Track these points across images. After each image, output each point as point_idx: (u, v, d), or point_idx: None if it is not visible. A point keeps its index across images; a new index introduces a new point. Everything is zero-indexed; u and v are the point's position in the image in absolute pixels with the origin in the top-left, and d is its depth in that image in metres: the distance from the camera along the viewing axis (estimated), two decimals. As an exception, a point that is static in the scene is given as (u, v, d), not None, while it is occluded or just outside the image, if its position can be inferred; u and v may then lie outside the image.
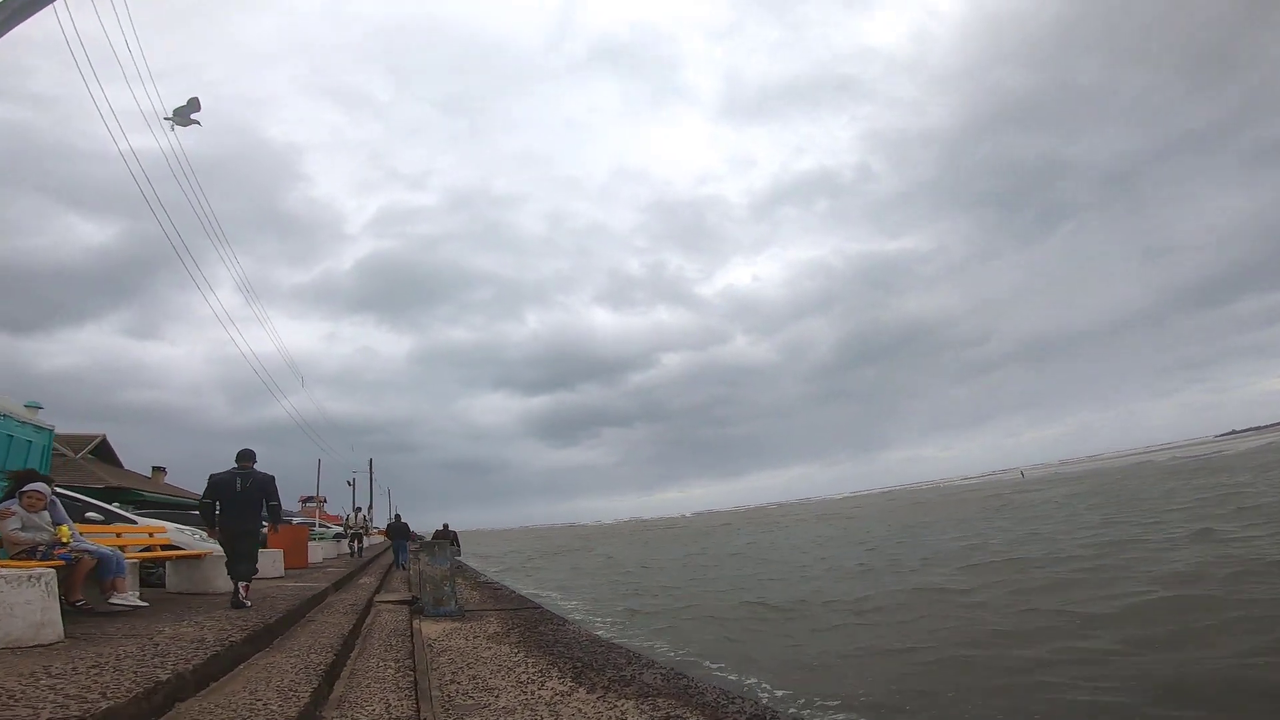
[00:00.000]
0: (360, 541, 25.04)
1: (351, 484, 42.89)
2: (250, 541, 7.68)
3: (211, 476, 7.63)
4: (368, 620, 8.56)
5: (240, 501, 7.57)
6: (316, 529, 28.05)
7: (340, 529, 29.44)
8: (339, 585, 11.31)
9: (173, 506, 20.89)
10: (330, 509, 44.98)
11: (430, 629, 9.04)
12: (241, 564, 7.47)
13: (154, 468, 36.98)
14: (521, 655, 7.15)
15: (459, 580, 18.29)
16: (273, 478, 7.81)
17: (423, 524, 25.44)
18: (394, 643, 6.88)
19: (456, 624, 9.58)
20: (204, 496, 7.68)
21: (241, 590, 7.32)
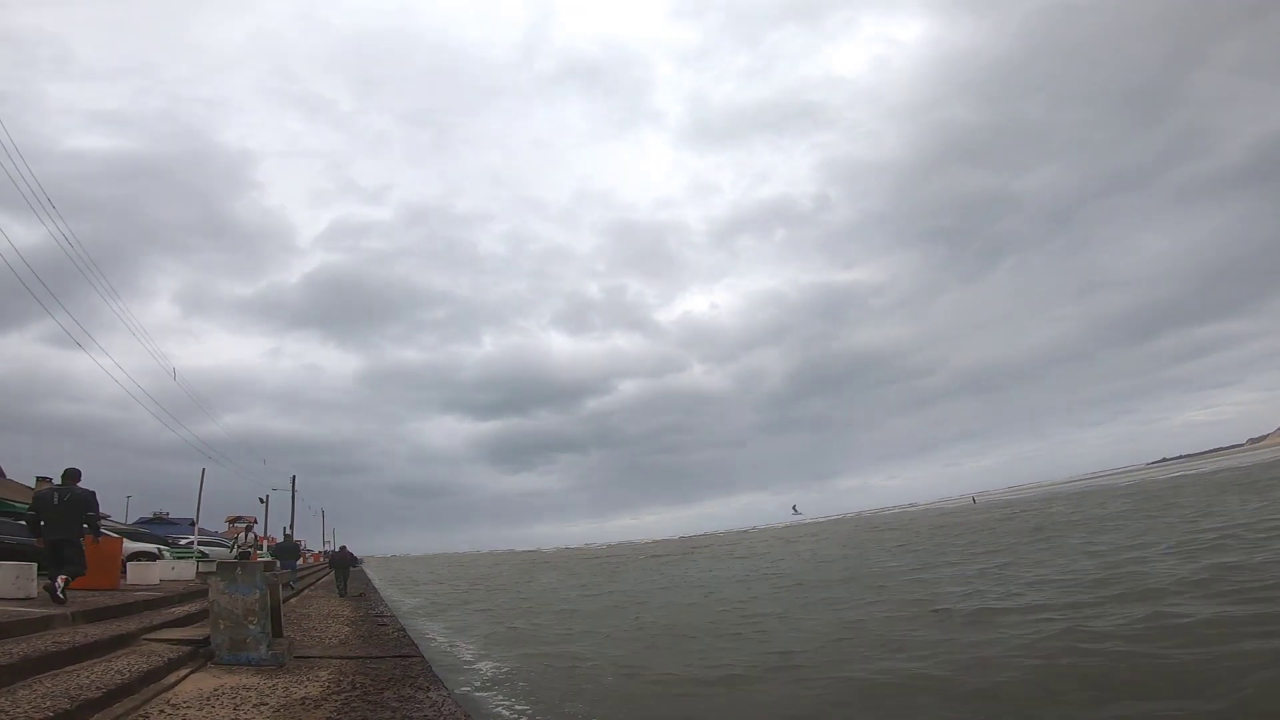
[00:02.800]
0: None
1: (264, 501, 37.97)
2: (70, 549, 8.29)
3: (35, 493, 8.88)
4: (76, 665, 4.95)
5: (57, 514, 8.20)
6: (195, 547, 23.60)
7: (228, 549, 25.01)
8: (103, 614, 7.57)
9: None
10: (264, 530, 39.89)
11: (196, 686, 5.41)
12: (66, 566, 8.13)
13: (38, 478, 32.45)
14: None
15: (338, 608, 14.23)
16: (92, 493, 8.45)
17: (366, 547, 21.22)
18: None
19: (257, 679, 5.94)
20: (28, 510, 8.66)
21: (59, 583, 7.75)
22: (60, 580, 7.76)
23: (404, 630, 10.92)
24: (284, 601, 10.59)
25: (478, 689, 8.81)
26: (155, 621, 7.61)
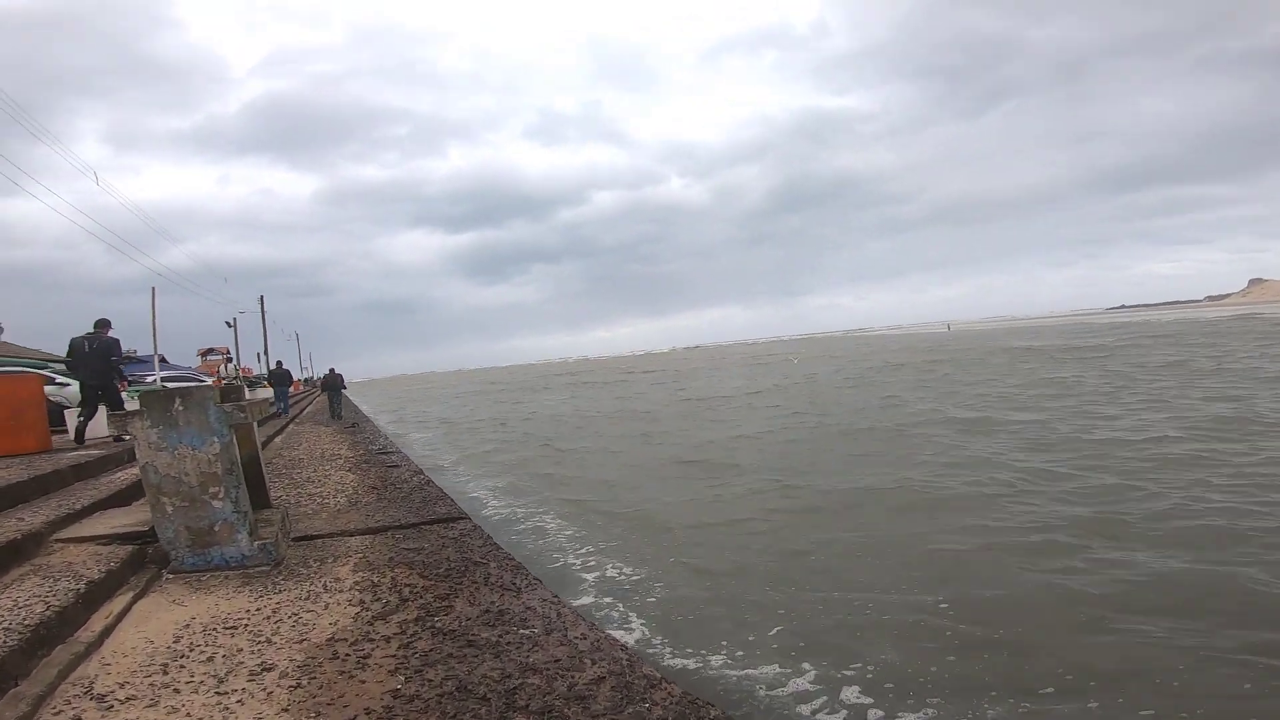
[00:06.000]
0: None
1: (232, 324, 35.02)
2: (107, 392, 9.21)
3: (71, 340, 9.25)
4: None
5: (88, 360, 9.13)
6: (158, 384, 21.10)
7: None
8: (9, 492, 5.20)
9: None
10: (237, 360, 37.49)
11: (141, 633, 3.25)
12: (87, 406, 9.21)
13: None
14: None
15: (332, 445, 12.00)
16: (117, 340, 9.43)
17: (346, 371, 22.10)
18: None
19: (244, 599, 3.83)
20: (66, 356, 9.48)
21: (81, 427, 9.17)
22: (81, 423, 9.19)
23: (422, 472, 9.05)
24: (262, 445, 8.49)
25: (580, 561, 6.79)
26: (81, 501, 5.36)
